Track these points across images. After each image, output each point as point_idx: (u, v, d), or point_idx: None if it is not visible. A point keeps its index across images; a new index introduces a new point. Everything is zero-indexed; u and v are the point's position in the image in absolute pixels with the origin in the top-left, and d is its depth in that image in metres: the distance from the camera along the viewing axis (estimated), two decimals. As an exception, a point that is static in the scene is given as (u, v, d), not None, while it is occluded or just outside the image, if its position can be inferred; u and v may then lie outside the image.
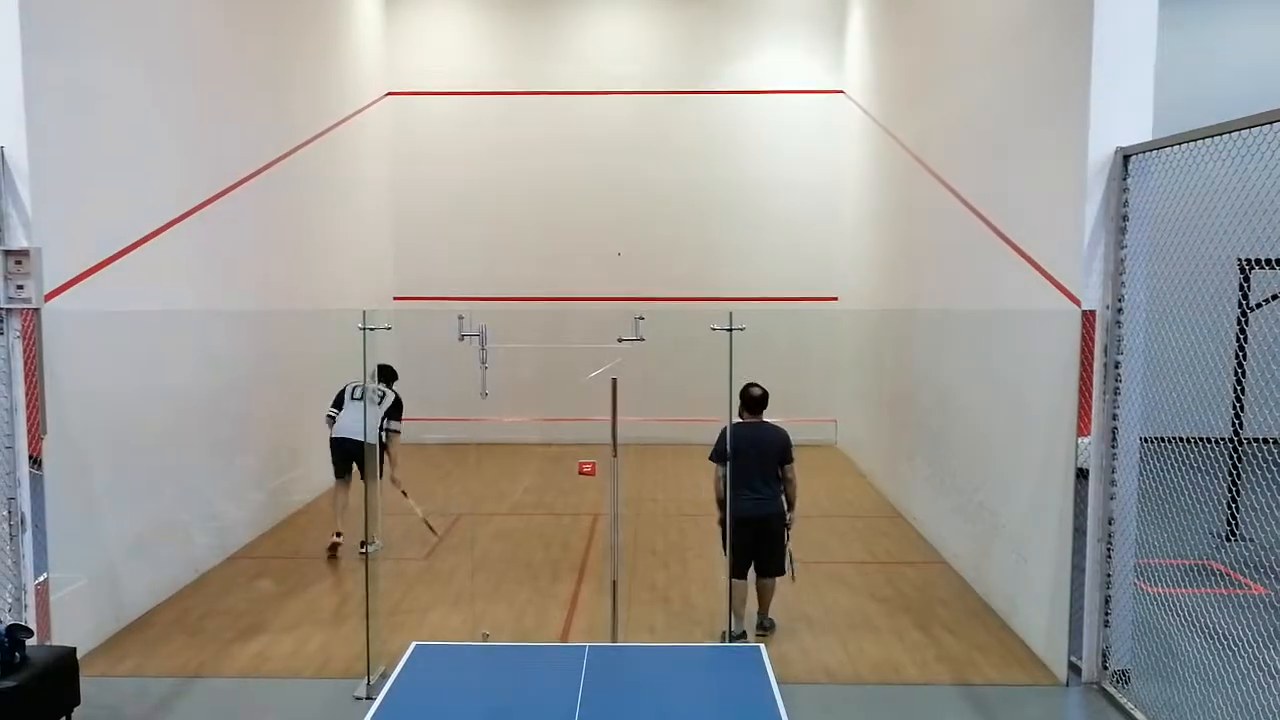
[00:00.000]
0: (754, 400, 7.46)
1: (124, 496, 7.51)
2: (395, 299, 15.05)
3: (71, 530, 6.78)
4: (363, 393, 9.07)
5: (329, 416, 9.49)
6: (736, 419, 7.29)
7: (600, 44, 15.23)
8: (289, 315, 10.86)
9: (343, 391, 9.52)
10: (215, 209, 8.98)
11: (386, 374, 9.45)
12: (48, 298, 6.45)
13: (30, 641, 5.69)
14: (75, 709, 5.82)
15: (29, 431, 6.27)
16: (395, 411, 9.44)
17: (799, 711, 4.58)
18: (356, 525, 8.06)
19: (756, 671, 5.03)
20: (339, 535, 9.29)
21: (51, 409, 6.46)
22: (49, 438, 6.45)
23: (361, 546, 8.85)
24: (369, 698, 5.96)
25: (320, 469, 11.64)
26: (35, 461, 6.34)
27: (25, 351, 6.26)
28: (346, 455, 9.35)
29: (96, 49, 7.24)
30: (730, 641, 7.05)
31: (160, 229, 8.04)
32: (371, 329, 6.45)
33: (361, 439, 8.80)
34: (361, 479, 8.97)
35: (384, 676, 5.73)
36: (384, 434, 9.20)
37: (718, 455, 7.24)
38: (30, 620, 6.17)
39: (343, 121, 12.76)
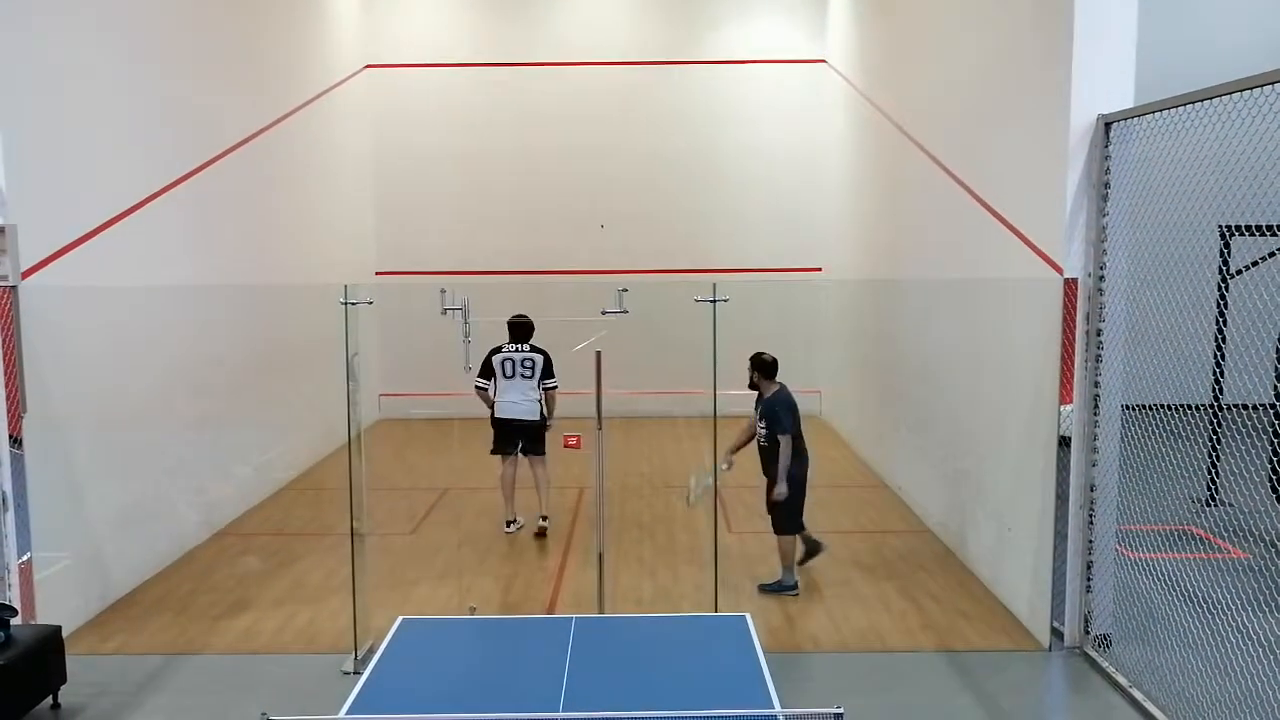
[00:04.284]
0: (773, 366, 7.79)
1: (108, 474, 7.47)
2: (377, 273, 14.95)
3: (54, 509, 6.75)
4: (514, 369, 8.95)
5: (479, 388, 9.03)
6: (777, 385, 7.73)
7: (580, 14, 15.09)
8: (270, 290, 10.78)
9: (489, 361, 8.99)
10: (193, 184, 8.89)
11: (526, 331, 9.08)
12: (24, 275, 6.39)
13: (14, 621, 5.68)
14: (61, 687, 5.83)
15: (8, 410, 6.22)
16: (549, 371, 9.09)
17: (785, 680, 4.61)
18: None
19: (743, 640, 5.06)
20: (516, 521, 9.24)
21: (31, 387, 6.42)
22: (29, 416, 6.40)
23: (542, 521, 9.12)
24: (356, 672, 5.97)
25: (305, 444, 11.63)
26: (15, 440, 6.30)
27: (3, 329, 6.21)
28: (513, 434, 9.14)
29: (69, 23, 7.12)
30: (794, 589, 7.63)
31: (138, 204, 7.96)
32: (353, 303, 6.42)
33: (530, 419, 9.01)
34: (524, 455, 9.14)
35: (371, 651, 5.75)
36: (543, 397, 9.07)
37: (796, 425, 7.68)
38: (14, 599, 6.15)
39: (321, 94, 12.63)
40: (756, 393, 7.82)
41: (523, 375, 8.97)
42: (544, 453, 9.18)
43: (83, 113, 7.30)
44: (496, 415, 9.05)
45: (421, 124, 15.01)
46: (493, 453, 9.22)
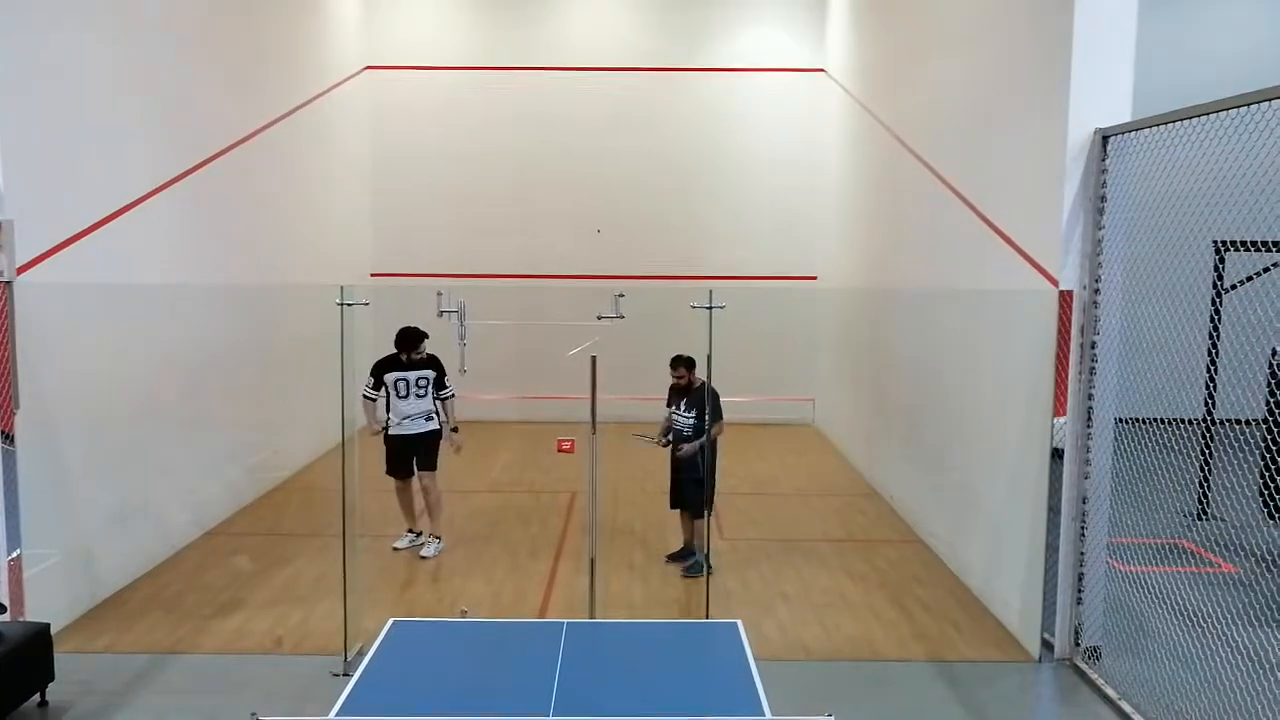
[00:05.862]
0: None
1: (99, 472, 7.45)
2: (372, 275, 14.95)
3: (45, 506, 6.73)
4: (408, 389, 8.55)
5: (367, 399, 8.63)
6: (700, 379, 7.96)
7: (581, 20, 15.12)
8: (266, 290, 10.77)
9: (381, 375, 8.62)
10: (191, 182, 8.88)
11: (417, 342, 8.60)
12: (19, 271, 6.37)
13: (3, 618, 5.66)
14: (49, 685, 5.80)
15: (1, 406, 6.20)
16: (443, 382, 8.78)
17: (776, 688, 4.60)
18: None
19: (734, 648, 5.05)
20: (414, 532, 8.95)
21: (24, 383, 6.39)
22: (21, 412, 6.38)
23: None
24: (346, 674, 5.96)
25: (297, 444, 11.61)
26: (7, 437, 6.28)
27: (-4, 325, 6.19)
28: (409, 452, 8.72)
29: (68, 20, 7.12)
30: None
31: (134, 202, 7.95)
32: (349, 304, 6.41)
33: (423, 430, 8.65)
34: (418, 470, 8.75)
35: (361, 653, 5.73)
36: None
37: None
38: (3, 596, 6.12)
39: (320, 95, 12.63)
40: (677, 389, 8.25)
41: (417, 395, 8.61)
42: (435, 467, 8.74)
43: (80, 109, 7.29)
44: (391, 433, 8.64)
45: (420, 126, 15.02)
46: (388, 473, 8.76)
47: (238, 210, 10.10)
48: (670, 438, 8.32)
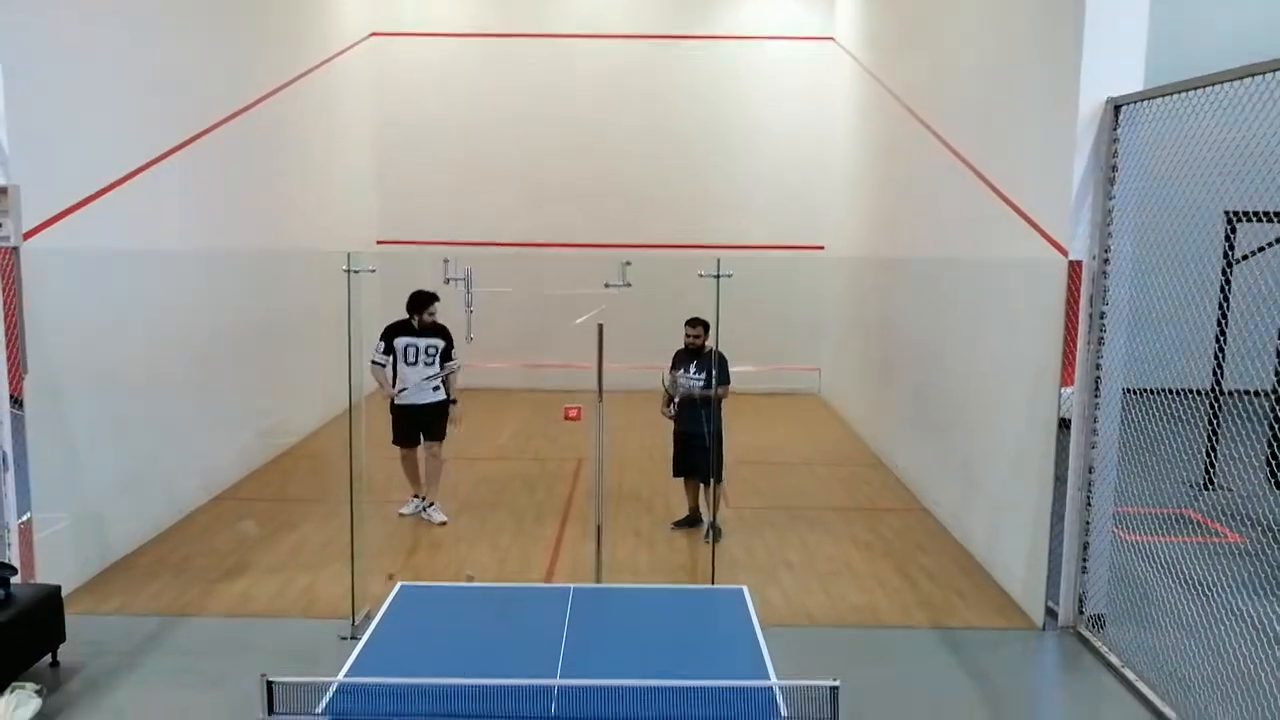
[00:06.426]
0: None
1: (107, 436, 7.48)
2: (379, 242, 14.92)
3: (54, 470, 6.76)
4: (417, 355, 8.53)
5: (377, 364, 8.58)
6: (713, 348, 7.95)
7: (588, -15, 14.99)
8: (272, 256, 10.76)
9: (391, 340, 8.63)
10: (197, 149, 8.85)
11: (429, 305, 8.57)
12: (26, 236, 6.37)
13: (15, 580, 5.71)
14: (60, 646, 5.86)
15: (9, 371, 6.22)
16: (449, 353, 8.71)
17: (781, 653, 4.64)
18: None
19: (739, 613, 5.09)
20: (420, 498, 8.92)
21: (33, 348, 6.41)
22: (30, 377, 6.40)
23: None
24: (354, 637, 6.00)
25: (305, 410, 11.65)
26: (16, 401, 6.31)
27: (4, 290, 6.19)
28: (415, 422, 8.72)
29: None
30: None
31: (141, 168, 7.92)
32: (357, 271, 6.40)
33: (432, 400, 8.63)
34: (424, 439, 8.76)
35: (369, 617, 5.77)
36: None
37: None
38: (14, 559, 6.17)
39: (325, 62, 12.55)
40: (686, 353, 8.35)
41: (425, 362, 8.55)
42: (443, 437, 8.72)
43: (85, 76, 7.25)
44: (398, 403, 8.61)
45: (426, 93, 14.94)
46: (394, 443, 8.74)
47: (244, 176, 10.07)
48: (676, 405, 8.31)
